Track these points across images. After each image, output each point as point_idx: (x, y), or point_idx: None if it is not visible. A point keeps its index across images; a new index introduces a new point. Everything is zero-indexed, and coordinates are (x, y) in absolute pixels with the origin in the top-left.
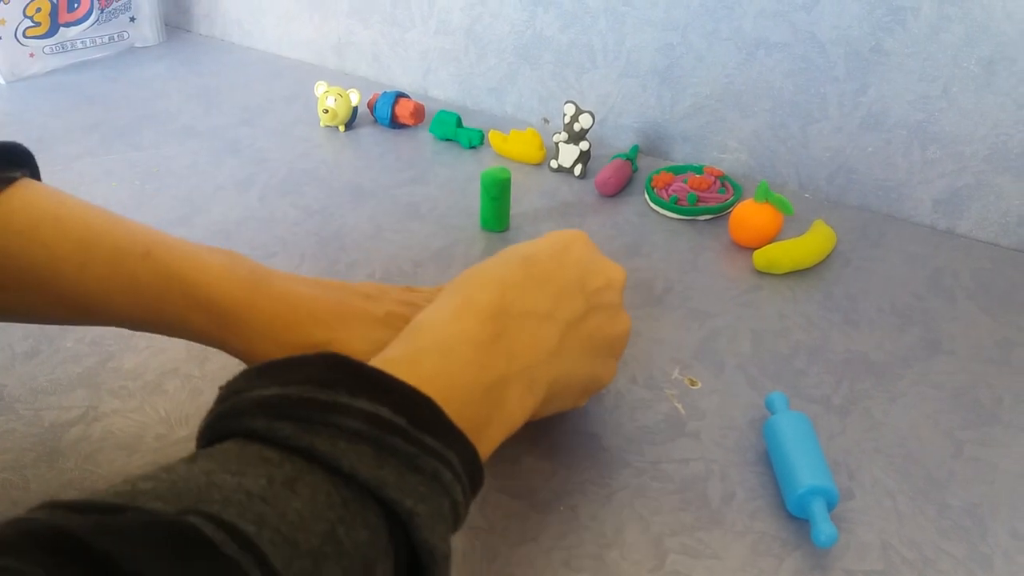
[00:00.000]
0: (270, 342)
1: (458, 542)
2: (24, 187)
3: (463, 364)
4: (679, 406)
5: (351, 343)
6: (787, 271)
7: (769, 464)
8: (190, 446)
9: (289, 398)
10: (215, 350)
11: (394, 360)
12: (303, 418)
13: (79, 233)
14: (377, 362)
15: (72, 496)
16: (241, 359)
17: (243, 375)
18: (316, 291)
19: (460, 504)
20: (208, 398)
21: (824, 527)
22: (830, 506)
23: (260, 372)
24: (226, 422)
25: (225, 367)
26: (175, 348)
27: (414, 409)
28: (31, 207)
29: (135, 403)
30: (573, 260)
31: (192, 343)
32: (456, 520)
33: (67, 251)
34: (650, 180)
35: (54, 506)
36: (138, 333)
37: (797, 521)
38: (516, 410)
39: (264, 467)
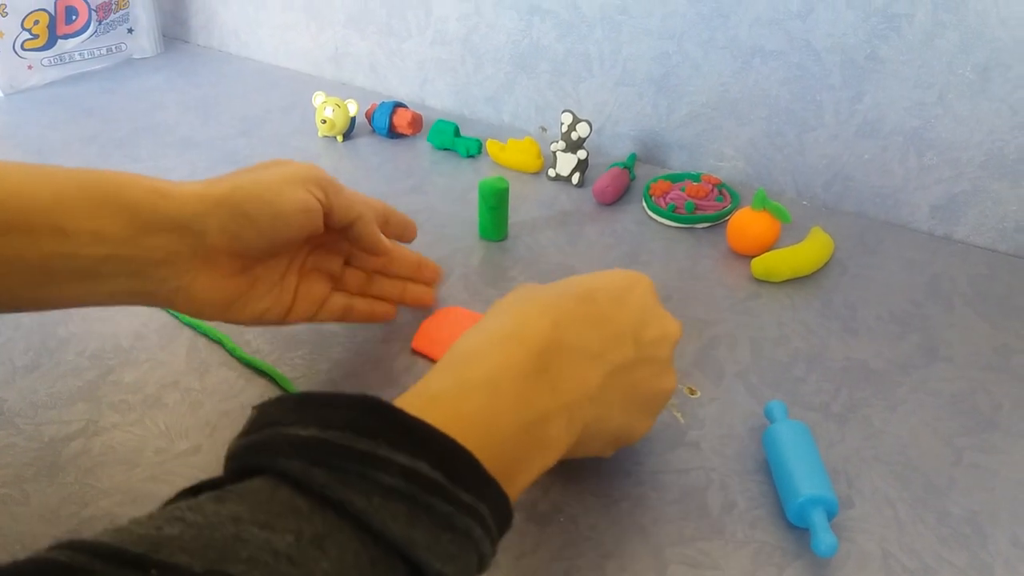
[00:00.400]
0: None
1: None
2: None
3: (508, 400)
4: (679, 415)
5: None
6: (785, 279)
7: (769, 473)
8: (191, 460)
9: (327, 444)
10: (216, 363)
11: (440, 395)
12: (339, 468)
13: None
14: (420, 395)
15: (72, 509)
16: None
17: (279, 403)
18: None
19: (487, 556)
20: (208, 411)
21: (824, 537)
22: (830, 515)
23: (298, 405)
24: (259, 456)
25: (225, 380)
26: (175, 361)
27: (453, 464)
28: None
29: (135, 417)
30: (632, 306)
31: (192, 357)
32: (482, 569)
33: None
34: (648, 188)
35: (75, 547)
36: (138, 346)
37: (797, 530)
38: (554, 446)
39: (294, 519)
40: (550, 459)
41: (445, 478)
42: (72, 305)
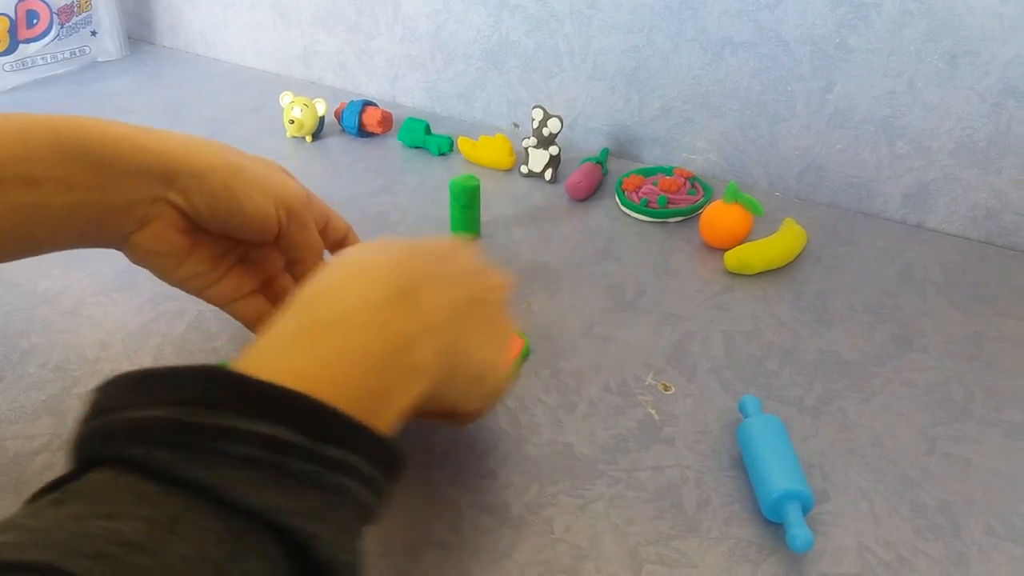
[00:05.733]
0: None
1: (431, 560)
2: None
3: (363, 329)
4: (653, 412)
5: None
6: (758, 271)
7: (744, 469)
8: None
9: (170, 422)
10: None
11: (287, 342)
12: (185, 445)
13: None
14: (266, 347)
15: None
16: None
17: (114, 384)
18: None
19: (372, 504)
20: None
21: (799, 532)
22: (805, 509)
23: (135, 385)
24: (100, 445)
25: None
26: None
27: (312, 421)
28: None
29: None
30: (464, 256)
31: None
32: (369, 517)
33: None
34: (620, 183)
35: None
36: (103, 356)
37: (773, 526)
38: (423, 370)
39: (142, 506)
40: (420, 386)
41: (305, 438)
42: (32, 254)
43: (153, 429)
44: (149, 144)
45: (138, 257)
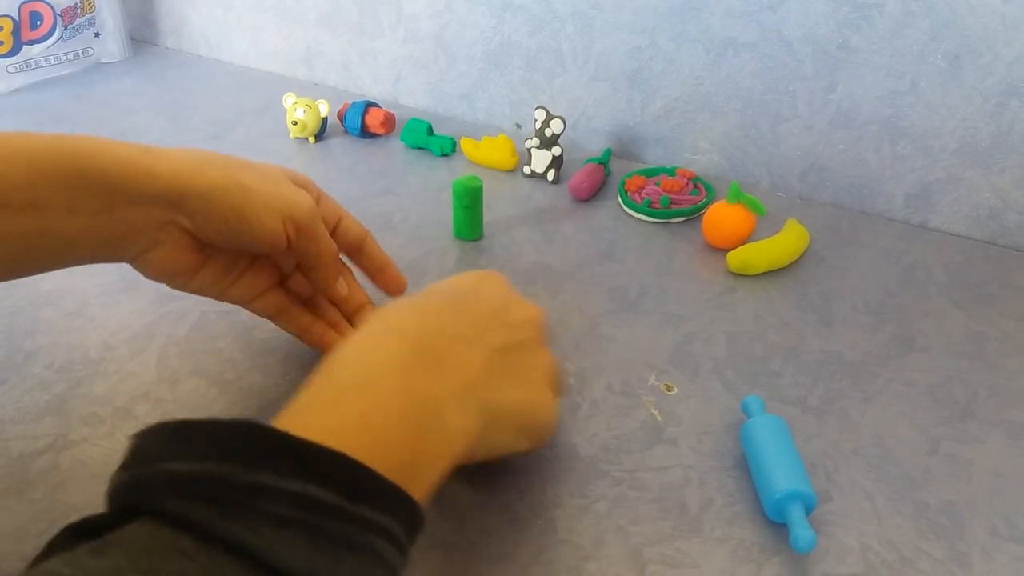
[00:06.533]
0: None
1: (434, 560)
2: None
3: (389, 394)
4: (656, 412)
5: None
6: (761, 272)
7: (747, 469)
8: None
9: (208, 477)
10: (187, 372)
11: (314, 402)
12: (223, 501)
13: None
14: (296, 409)
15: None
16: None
17: (152, 433)
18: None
19: (397, 564)
20: None
21: (802, 532)
22: (808, 509)
23: (176, 435)
24: (138, 495)
25: (197, 389)
26: (145, 372)
27: (347, 480)
28: None
29: (105, 430)
30: (489, 295)
31: (162, 367)
32: (393, 573)
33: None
34: (623, 183)
35: None
36: (107, 357)
37: (776, 526)
38: (456, 433)
39: (179, 562)
40: (456, 449)
41: (340, 497)
42: (38, 272)
43: (192, 483)
44: (156, 167)
45: (148, 275)
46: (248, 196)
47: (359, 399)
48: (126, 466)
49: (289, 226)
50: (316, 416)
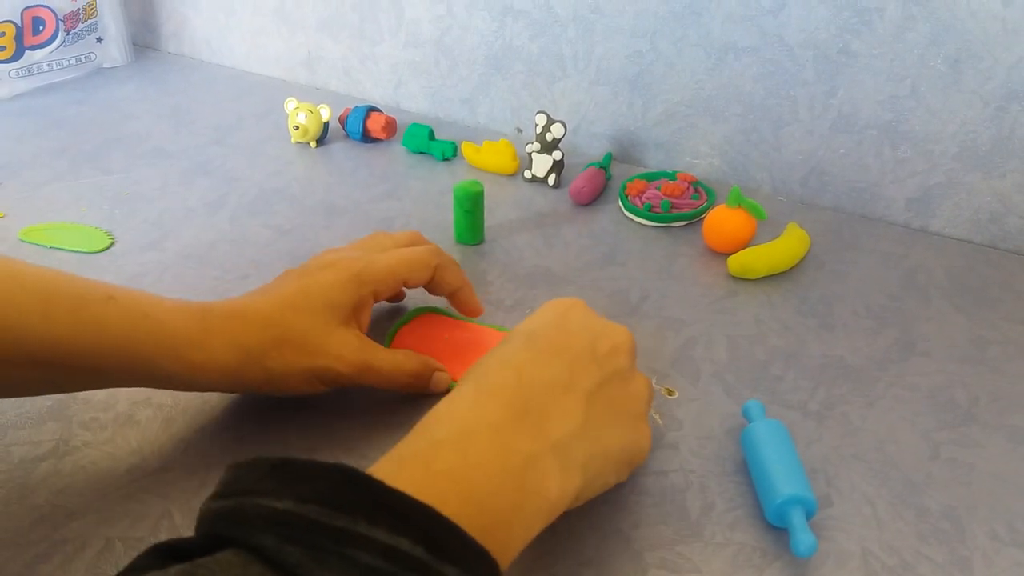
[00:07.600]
0: (229, 352)
1: None
2: None
3: (483, 451)
4: (657, 416)
5: (307, 331)
6: (762, 276)
7: (747, 473)
8: (164, 478)
9: (302, 519)
10: None
11: (409, 456)
12: (314, 545)
13: (39, 285)
14: (392, 460)
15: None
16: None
17: (253, 468)
18: (266, 294)
19: None
20: (181, 428)
21: (803, 537)
22: (809, 514)
23: (273, 472)
24: (231, 526)
25: (198, 395)
26: None
27: (435, 537)
28: None
29: (107, 435)
30: (576, 327)
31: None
32: None
33: (29, 303)
34: (624, 188)
35: None
36: None
37: (776, 531)
38: (553, 491)
39: None
40: (552, 505)
41: (428, 553)
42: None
43: (286, 523)
44: (208, 364)
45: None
46: (310, 332)
47: (453, 453)
48: (221, 495)
49: (362, 315)
50: (408, 469)
